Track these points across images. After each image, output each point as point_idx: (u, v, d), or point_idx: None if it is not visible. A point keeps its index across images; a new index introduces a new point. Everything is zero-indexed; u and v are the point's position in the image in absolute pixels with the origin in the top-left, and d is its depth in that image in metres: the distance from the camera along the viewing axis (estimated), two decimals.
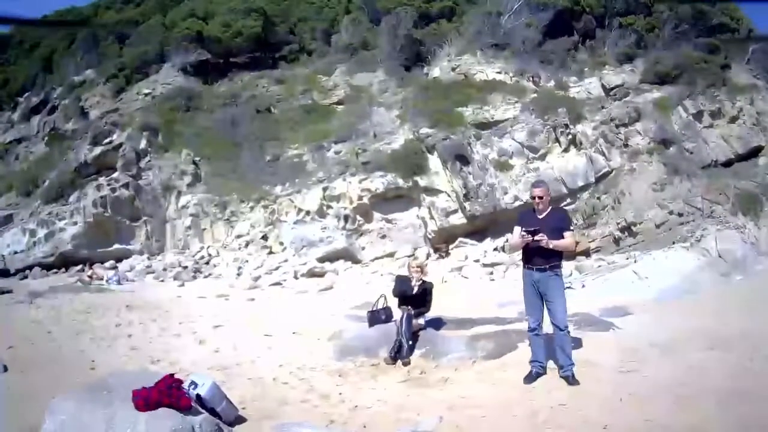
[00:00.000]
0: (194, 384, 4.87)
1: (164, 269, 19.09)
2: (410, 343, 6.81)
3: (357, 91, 24.55)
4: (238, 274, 17.61)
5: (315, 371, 6.87)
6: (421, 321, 7.28)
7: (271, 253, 19.08)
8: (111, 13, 41.75)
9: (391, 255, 17.74)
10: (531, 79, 22.12)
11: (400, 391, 5.93)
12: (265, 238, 19.72)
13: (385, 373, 6.58)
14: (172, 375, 4.94)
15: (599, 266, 14.80)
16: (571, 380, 5.40)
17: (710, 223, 14.99)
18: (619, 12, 25.14)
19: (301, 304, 12.97)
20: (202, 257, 20.17)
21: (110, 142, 24.83)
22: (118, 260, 20.85)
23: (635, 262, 13.99)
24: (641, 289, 11.69)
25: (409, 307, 7.17)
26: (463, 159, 18.50)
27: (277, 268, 17.65)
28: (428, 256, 17.30)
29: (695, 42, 22.40)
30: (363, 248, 18.41)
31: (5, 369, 7.39)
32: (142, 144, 24.12)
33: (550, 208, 5.63)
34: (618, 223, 17.01)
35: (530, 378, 5.66)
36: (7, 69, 43.52)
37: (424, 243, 18.13)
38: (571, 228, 5.54)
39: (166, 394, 4.60)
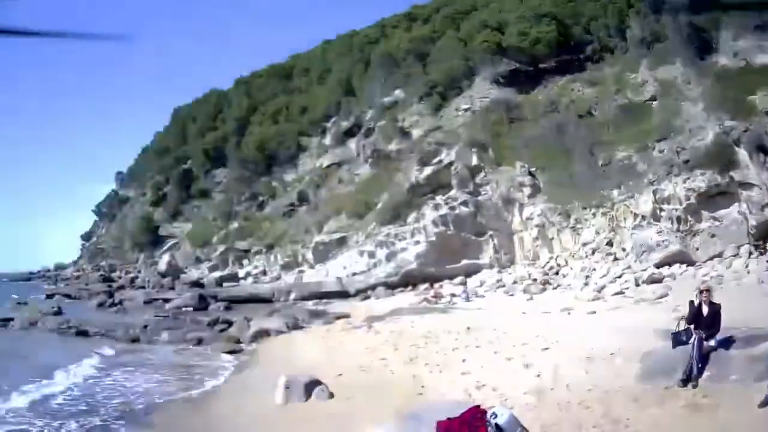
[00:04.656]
0: (495, 415, 5.41)
1: (514, 282, 20.04)
2: (700, 365, 7.48)
3: (664, 86, 24.03)
4: (585, 284, 18.23)
5: (618, 394, 7.34)
6: (712, 342, 7.80)
7: (615, 259, 19.69)
8: (399, 32, 42.51)
9: (719, 255, 17.56)
10: None
11: (675, 417, 6.40)
12: (609, 244, 20.42)
13: (674, 396, 7.03)
14: (478, 406, 5.62)
15: None
16: None
17: None
18: None
19: (633, 316, 12.83)
20: (551, 268, 20.84)
21: (440, 162, 25.61)
22: (468, 275, 21.78)
23: None
24: None
25: (700, 330, 7.82)
26: (765, 149, 17.54)
27: (620, 276, 18.11)
28: (750, 254, 16.70)
29: None
30: (697, 249, 18.38)
31: (331, 396, 8.08)
32: (474, 160, 24.69)
33: None
34: None
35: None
36: (299, 98, 44.39)
37: (747, 239, 17.46)
38: None
39: (467, 424, 5.23)
